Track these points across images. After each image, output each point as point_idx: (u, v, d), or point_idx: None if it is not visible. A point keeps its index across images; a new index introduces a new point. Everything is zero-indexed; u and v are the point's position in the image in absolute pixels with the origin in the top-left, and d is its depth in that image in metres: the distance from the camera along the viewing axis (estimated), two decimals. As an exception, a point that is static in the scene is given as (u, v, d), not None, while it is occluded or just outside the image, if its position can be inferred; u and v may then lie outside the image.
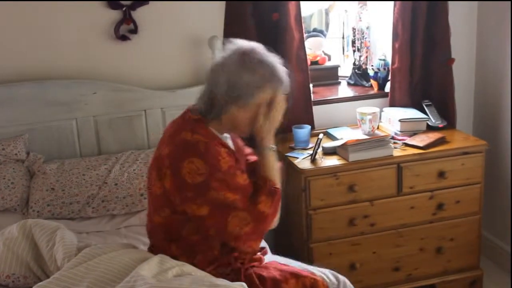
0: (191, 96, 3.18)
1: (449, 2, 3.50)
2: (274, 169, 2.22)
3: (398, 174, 3.22)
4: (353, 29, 3.79)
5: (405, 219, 3.29)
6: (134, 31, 3.21)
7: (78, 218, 2.86)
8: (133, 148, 3.20)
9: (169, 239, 2.21)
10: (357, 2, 3.80)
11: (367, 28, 3.77)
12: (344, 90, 3.82)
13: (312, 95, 3.51)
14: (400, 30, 3.50)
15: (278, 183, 2.21)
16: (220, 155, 2.07)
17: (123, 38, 3.20)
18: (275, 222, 2.24)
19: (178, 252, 2.19)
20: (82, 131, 3.15)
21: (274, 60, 2.17)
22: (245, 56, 2.13)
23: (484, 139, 3.45)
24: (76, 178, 2.91)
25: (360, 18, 3.77)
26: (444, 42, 3.57)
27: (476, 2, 3.75)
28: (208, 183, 2.02)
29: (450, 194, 3.33)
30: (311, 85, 3.50)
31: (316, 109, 3.51)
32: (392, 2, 3.49)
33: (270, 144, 2.23)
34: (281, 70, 2.17)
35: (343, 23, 3.93)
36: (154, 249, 2.29)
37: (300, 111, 3.43)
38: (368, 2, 3.76)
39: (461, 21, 3.72)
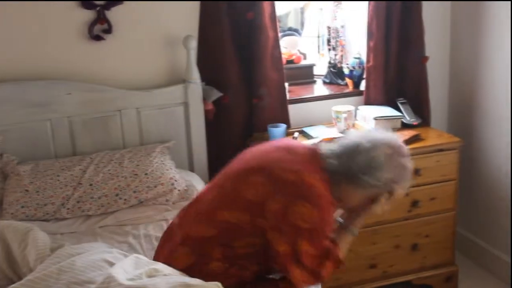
0: (166, 96, 3.25)
1: (423, 1, 3.53)
2: (344, 249, 2.28)
3: (373, 172, 3.23)
4: (328, 28, 3.81)
5: (381, 217, 3.27)
6: (109, 31, 3.20)
7: (53, 219, 2.84)
8: (108, 148, 3.19)
9: (216, 240, 2.12)
10: (332, 1, 3.81)
11: (342, 26, 3.78)
12: (319, 88, 3.83)
13: (287, 94, 3.52)
14: (374, 29, 3.52)
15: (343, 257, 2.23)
16: (329, 211, 2.09)
17: (98, 38, 3.18)
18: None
19: (220, 256, 2.12)
20: (56, 132, 3.13)
21: (410, 165, 2.20)
22: (393, 153, 2.14)
23: (459, 136, 3.48)
24: (51, 179, 2.89)
25: (335, 17, 3.79)
26: (418, 40, 3.60)
27: (449, 1, 3.78)
28: (307, 234, 2.02)
29: (425, 191, 3.35)
30: (286, 84, 3.51)
31: (291, 108, 3.52)
32: (367, 1, 3.51)
33: (355, 228, 2.29)
34: (409, 176, 2.20)
35: (318, 22, 3.94)
36: (190, 240, 2.17)
37: (276, 110, 3.44)
38: (343, 1, 3.78)
39: (435, 19, 3.75)
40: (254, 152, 2.25)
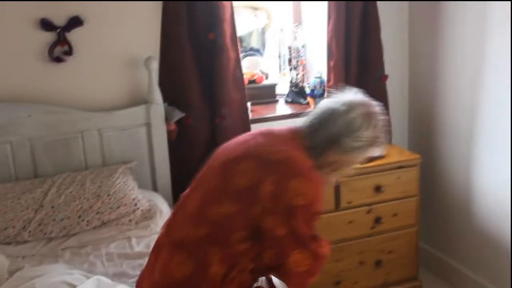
0: (128, 117, 3.24)
1: (381, 19, 3.59)
2: None
3: (336, 190, 3.27)
4: (289, 47, 3.85)
5: (344, 234, 3.34)
6: (69, 52, 3.19)
7: (14, 242, 2.80)
8: (70, 170, 3.16)
9: (211, 239, 2.03)
10: (292, 21, 3.85)
11: (303, 46, 3.83)
12: (281, 107, 3.87)
13: (250, 113, 3.54)
14: (334, 49, 3.56)
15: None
16: (319, 194, 2.05)
17: (58, 60, 3.17)
18: None
19: (218, 257, 2.03)
20: (17, 155, 3.09)
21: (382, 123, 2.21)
22: (369, 111, 2.14)
23: (419, 153, 3.55)
24: (11, 202, 2.85)
25: (295, 37, 3.83)
26: (377, 59, 3.66)
27: (407, 19, 3.86)
28: (301, 212, 1.97)
29: (387, 208, 3.40)
30: (249, 104, 3.53)
31: (254, 127, 3.53)
32: (326, 20, 3.56)
33: None
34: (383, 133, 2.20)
35: (279, 42, 3.98)
36: (184, 245, 2.07)
37: (238, 129, 3.44)
38: (303, 21, 3.83)
39: (393, 38, 3.82)
40: (232, 145, 2.21)
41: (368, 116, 2.12)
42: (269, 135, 2.17)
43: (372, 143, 2.13)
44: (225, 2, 3.29)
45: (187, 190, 2.22)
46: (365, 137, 2.09)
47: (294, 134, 2.16)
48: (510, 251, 3.27)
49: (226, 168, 2.09)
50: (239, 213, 1.99)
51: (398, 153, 3.50)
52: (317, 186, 2.03)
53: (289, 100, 3.91)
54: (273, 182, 1.97)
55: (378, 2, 3.58)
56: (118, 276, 2.50)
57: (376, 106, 2.20)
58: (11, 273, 2.21)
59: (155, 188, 3.35)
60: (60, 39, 3.15)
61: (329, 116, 2.13)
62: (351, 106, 2.13)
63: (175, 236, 2.09)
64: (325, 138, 2.10)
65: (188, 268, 2.01)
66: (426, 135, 3.86)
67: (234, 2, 3.36)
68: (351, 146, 2.09)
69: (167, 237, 2.15)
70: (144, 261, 2.47)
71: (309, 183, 2.00)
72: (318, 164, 2.10)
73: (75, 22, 3.17)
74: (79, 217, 2.87)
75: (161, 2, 3.25)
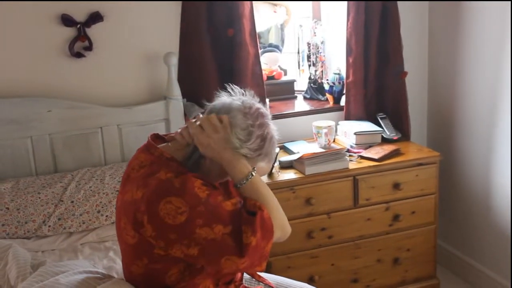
0: (147, 113, 3.25)
1: (401, 15, 3.57)
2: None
3: (354, 187, 3.26)
4: (308, 44, 3.84)
5: (362, 231, 3.33)
6: (89, 48, 3.20)
7: (34, 237, 2.82)
8: (89, 165, 3.18)
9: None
10: (311, 17, 3.85)
11: (322, 43, 3.82)
12: (300, 104, 3.86)
13: (268, 109, 3.53)
14: (353, 45, 3.55)
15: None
16: (195, 186, 1.82)
17: (78, 55, 3.19)
18: (285, 228, 2.03)
19: None
20: (37, 150, 3.12)
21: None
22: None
23: (438, 150, 3.53)
24: (32, 197, 2.88)
25: (314, 33, 3.82)
26: (397, 55, 3.64)
27: (427, 15, 3.83)
28: (192, 220, 1.77)
29: (406, 205, 3.38)
30: (267, 100, 3.53)
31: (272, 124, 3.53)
32: (345, 16, 3.55)
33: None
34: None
35: (298, 38, 3.97)
36: None
37: (257, 125, 3.45)
38: (322, 17, 3.81)
39: (413, 34, 3.80)
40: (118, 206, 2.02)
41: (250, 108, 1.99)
42: (139, 163, 1.97)
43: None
44: (244, -2, 3.29)
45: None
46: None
47: (152, 146, 1.98)
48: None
49: (118, 231, 1.99)
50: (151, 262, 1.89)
51: (417, 151, 3.48)
52: (190, 190, 1.81)
53: (308, 96, 3.91)
54: (145, 216, 1.81)
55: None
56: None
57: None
58: (33, 267, 2.22)
59: (173, 184, 3.35)
60: (80, 35, 3.17)
61: None
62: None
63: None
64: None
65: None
66: (445, 133, 3.83)
67: (253, -2, 3.37)
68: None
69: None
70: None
71: (178, 196, 1.79)
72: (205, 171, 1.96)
73: (95, 17, 3.18)
74: (98, 211, 2.89)
75: (181, -2, 3.26)
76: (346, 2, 3.52)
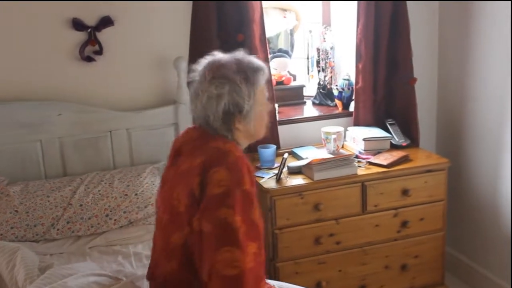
0: (156, 117, 3.26)
1: (410, 21, 3.57)
2: None
3: (362, 193, 3.25)
4: (318, 49, 3.84)
5: (370, 237, 3.32)
6: (99, 52, 3.21)
7: (43, 240, 2.84)
8: (99, 169, 3.19)
9: (189, 265, 1.97)
10: (321, 23, 3.85)
11: (331, 48, 3.82)
12: (309, 109, 3.86)
13: (277, 115, 3.54)
14: (363, 51, 3.55)
15: None
16: (246, 171, 1.92)
17: (88, 59, 3.20)
18: None
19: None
20: (47, 153, 3.14)
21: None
22: (208, 63, 2.09)
23: (447, 157, 3.52)
24: (41, 200, 2.89)
25: (324, 38, 3.82)
26: (406, 61, 3.63)
27: (437, 22, 3.83)
28: (226, 195, 1.85)
29: (414, 212, 3.37)
30: (276, 105, 3.53)
31: (281, 129, 3.54)
32: (355, 22, 3.55)
33: None
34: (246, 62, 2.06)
35: (308, 43, 3.98)
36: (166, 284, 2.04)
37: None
38: (332, 23, 3.81)
39: (422, 40, 3.79)
40: (168, 177, 2.12)
41: (223, 68, 2.02)
42: (187, 152, 2.07)
43: (250, 81, 2.00)
44: (254, 3, 3.29)
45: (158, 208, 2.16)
46: (239, 87, 1.98)
47: (202, 133, 2.06)
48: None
49: (167, 202, 2.04)
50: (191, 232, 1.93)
51: (426, 157, 3.48)
52: (239, 171, 1.90)
53: (317, 102, 3.90)
54: (196, 184, 1.89)
55: (408, 4, 3.56)
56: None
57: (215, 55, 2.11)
58: (41, 270, 2.23)
59: (182, 188, 3.36)
60: (90, 39, 3.18)
61: (195, 101, 2.06)
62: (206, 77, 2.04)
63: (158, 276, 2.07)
64: (223, 122, 2.01)
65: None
66: (454, 139, 3.82)
67: (263, 3, 3.37)
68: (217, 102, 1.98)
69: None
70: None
71: (228, 171, 1.87)
72: (239, 137, 2.06)
73: (106, 22, 3.20)
74: (107, 215, 2.91)
75: (191, 2, 3.26)
76: (356, 8, 3.52)
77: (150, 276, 2.15)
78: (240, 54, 2.09)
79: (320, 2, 3.93)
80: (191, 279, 1.97)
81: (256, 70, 2.04)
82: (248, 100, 1.99)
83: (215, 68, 2.04)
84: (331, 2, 3.91)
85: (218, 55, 2.10)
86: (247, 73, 2.01)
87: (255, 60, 2.08)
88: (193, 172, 1.91)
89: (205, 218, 1.86)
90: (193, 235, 1.91)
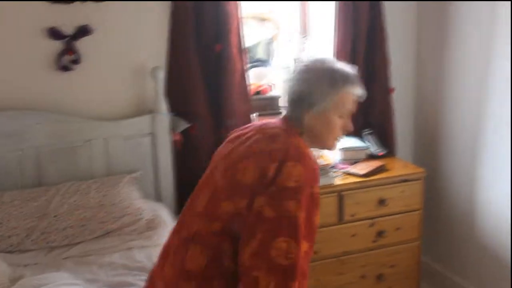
0: (133, 126, 3.26)
1: (389, 31, 3.60)
2: None
3: (339, 202, 3.28)
4: (296, 59, 3.85)
5: (347, 247, 3.34)
6: (77, 61, 3.21)
7: (17, 251, 2.81)
8: (76, 178, 3.17)
9: (225, 234, 2.00)
10: (299, 32, 3.87)
11: (310, 57, 3.82)
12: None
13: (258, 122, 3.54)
14: (341, 60, 3.56)
15: None
16: (318, 174, 2.02)
17: (66, 68, 3.19)
18: None
19: (230, 253, 1.99)
20: (23, 162, 3.11)
21: (339, 68, 2.14)
22: (318, 61, 2.17)
23: (424, 166, 3.55)
24: (15, 210, 2.87)
25: (303, 48, 3.84)
26: (384, 71, 3.66)
27: (416, 31, 3.86)
28: (298, 191, 1.91)
29: (390, 221, 3.40)
30: (254, 115, 3.54)
31: (259, 138, 3.54)
32: (334, 32, 3.57)
33: None
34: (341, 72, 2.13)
35: (286, 53, 3.99)
36: (198, 238, 2.04)
37: (244, 140, 3.46)
38: (310, 32, 3.83)
39: (400, 50, 3.83)
40: (233, 146, 2.18)
41: (316, 66, 2.12)
42: (264, 130, 2.15)
43: (335, 83, 2.08)
44: (233, 13, 3.31)
45: (193, 193, 2.21)
46: (322, 81, 2.08)
47: (286, 122, 2.15)
48: (511, 266, 3.26)
49: (231, 168, 2.07)
50: (246, 207, 1.96)
51: (403, 167, 3.51)
52: (313, 171, 1.99)
53: (295, 111, 3.90)
54: (272, 166, 1.95)
55: (385, 15, 3.59)
56: (120, 286, 2.51)
57: (325, 59, 2.19)
58: (13, 281, 2.22)
59: (159, 198, 3.36)
60: (68, 48, 3.18)
61: (289, 89, 2.15)
62: (299, 67, 2.16)
63: (187, 232, 2.09)
64: (295, 106, 2.12)
65: (203, 260, 2.00)
66: (431, 149, 3.86)
67: (241, 13, 3.38)
68: (315, 97, 2.07)
69: (178, 236, 2.14)
70: (147, 271, 2.50)
71: (304, 168, 1.94)
72: (307, 136, 2.12)
73: (84, 31, 3.19)
74: (82, 226, 2.89)
75: (169, 12, 3.27)
76: (334, 17, 3.54)
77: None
78: (341, 63, 2.18)
79: (299, 12, 3.94)
80: (222, 244, 2.00)
81: (345, 77, 2.12)
82: (321, 97, 2.07)
83: (312, 61, 2.16)
84: (310, 12, 3.93)
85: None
86: (335, 75, 2.09)
87: (350, 71, 2.15)
88: (269, 156, 1.98)
89: (270, 205, 1.90)
90: (249, 212, 1.94)
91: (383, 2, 3.63)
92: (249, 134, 2.16)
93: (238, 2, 3.35)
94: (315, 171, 1.99)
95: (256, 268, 1.86)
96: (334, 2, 3.59)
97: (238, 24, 3.37)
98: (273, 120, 2.22)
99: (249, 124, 2.31)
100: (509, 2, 3.05)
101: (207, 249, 2.00)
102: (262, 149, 2.03)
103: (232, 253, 1.98)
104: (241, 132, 2.25)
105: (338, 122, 2.14)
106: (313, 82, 2.08)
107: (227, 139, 2.29)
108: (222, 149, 2.25)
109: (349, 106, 2.15)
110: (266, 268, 1.86)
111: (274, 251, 1.86)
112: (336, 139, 2.19)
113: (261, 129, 2.17)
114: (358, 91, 2.16)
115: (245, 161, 2.03)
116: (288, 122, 2.14)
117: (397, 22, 3.78)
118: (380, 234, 3.38)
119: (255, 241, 1.89)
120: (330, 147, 2.22)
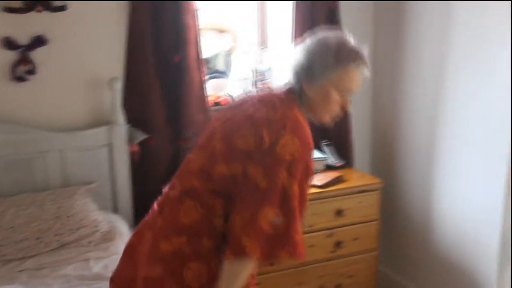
0: (90, 138, 3.23)
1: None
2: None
3: (297, 213, 3.28)
4: (254, 70, 3.87)
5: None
6: (32, 72, 3.17)
7: (-30, 264, 2.76)
8: (31, 190, 3.12)
9: (218, 193, 2.05)
10: (257, 44, 3.89)
11: (268, 69, 3.85)
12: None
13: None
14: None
15: None
16: (312, 148, 2.04)
17: (21, 79, 3.15)
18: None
19: (222, 211, 2.04)
20: (-24, 174, 3.07)
21: (348, 43, 2.12)
22: (326, 36, 2.14)
23: (381, 177, 3.59)
24: (-32, 222, 2.82)
25: (261, 60, 3.85)
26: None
27: (372, 47, 3.90)
28: (292, 164, 1.94)
29: (348, 232, 3.42)
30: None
31: (217, 149, 3.54)
32: (291, 43, 3.60)
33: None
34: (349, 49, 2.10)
35: (245, 64, 4.00)
36: (194, 193, 2.08)
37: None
38: (268, 44, 3.85)
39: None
40: (232, 112, 2.19)
41: (324, 39, 2.11)
42: (266, 99, 2.15)
43: (340, 58, 2.06)
44: (191, 24, 3.30)
45: (191, 154, 2.22)
46: (327, 54, 2.06)
47: (288, 93, 2.15)
48: (466, 276, 3.31)
49: (230, 133, 2.09)
50: (241, 173, 2.00)
51: (360, 177, 3.54)
52: (308, 145, 2.02)
53: (254, 122, 3.91)
54: (269, 136, 1.97)
55: (342, 26, 3.63)
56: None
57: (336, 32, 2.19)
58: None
59: (116, 210, 3.33)
60: (23, 58, 3.13)
61: (295, 60, 2.16)
62: (308, 40, 2.16)
63: (183, 187, 2.12)
64: (298, 77, 2.12)
65: (197, 214, 2.05)
66: (387, 160, 3.90)
67: (200, 24, 3.38)
68: (318, 69, 2.07)
69: (174, 190, 2.16)
70: (102, 283, 2.48)
71: (301, 142, 1.97)
72: (305, 108, 2.12)
73: (39, 41, 3.15)
74: (37, 238, 2.84)
75: (127, 23, 3.25)
76: (291, 28, 3.57)
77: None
78: (354, 41, 2.15)
79: (257, 24, 3.96)
80: (215, 201, 2.05)
81: (352, 54, 2.09)
82: (323, 69, 2.06)
83: (325, 34, 2.14)
84: (268, 23, 3.95)
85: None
86: (342, 50, 2.07)
87: (360, 50, 2.12)
88: (268, 126, 2.00)
89: (265, 176, 1.94)
90: (245, 180, 1.97)
91: (339, 2, 3.67)
92: (251, 102, 2.17)
93: (196, 14, 3.34)
94: (310, 146, 2.03)
95: (245, 237, 1.91)
96: (291, 2, 3.64)
97: (196, 36, 3.37)
98: (276, 90, 2.21)
99: (251, 94, 2.31)
100: (509, 2, 3.08)
101: (201, 206, 2.05)
102: (262, 118, 2.04)
103: (223, 215, 2.04)
104: (242, 102, 2.23)
105: (337, 98, 2.10)
106: (318, 54, 2.07)
107: (228, 106, 2.35)
108: (220, 115, 2.25)
109: (351, 85, 2.10)
110: (255, 238, 1.91)
111: (265, 221, 1.91)
112: (332, 115, 2.17)
113: (263, 98, 2.17)
114: (364, 71, 2.13)
115: (244, 128, 2.05)
116: (290, 93, 2.14)
117: (353, 28, 3.79)
118: (338, 244, 3.40)
119: (247, 211, 1.94)
120: (325, 122, 2.20)
